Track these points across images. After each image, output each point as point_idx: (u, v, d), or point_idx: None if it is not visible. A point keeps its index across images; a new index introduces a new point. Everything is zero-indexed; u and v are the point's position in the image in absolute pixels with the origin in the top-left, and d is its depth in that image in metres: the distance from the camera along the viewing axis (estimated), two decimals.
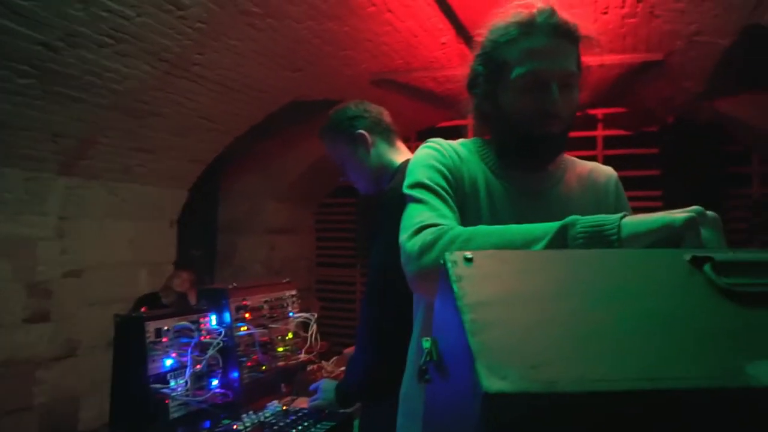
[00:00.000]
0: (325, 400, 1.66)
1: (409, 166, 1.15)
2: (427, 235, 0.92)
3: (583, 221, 0.80)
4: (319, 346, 2.06)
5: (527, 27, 1.06)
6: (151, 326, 1.62)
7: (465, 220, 1.07)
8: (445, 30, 3.32)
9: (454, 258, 0.56)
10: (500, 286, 0.53)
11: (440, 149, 1.15)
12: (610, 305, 0.51)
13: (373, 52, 3.54)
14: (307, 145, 4.52)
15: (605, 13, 3.01)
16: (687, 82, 3.63)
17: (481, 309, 0.49)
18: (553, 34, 1.05)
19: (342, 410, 1.68)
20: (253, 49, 3.18)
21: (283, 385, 1.97)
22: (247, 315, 1.87)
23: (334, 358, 2.17)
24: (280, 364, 1.97)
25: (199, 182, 4.18)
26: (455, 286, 0.52)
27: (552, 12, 1.07)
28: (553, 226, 0.82)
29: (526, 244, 0.83)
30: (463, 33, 3.32)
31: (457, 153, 1.16)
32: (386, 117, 1.78)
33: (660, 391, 0.42)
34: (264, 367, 1.90)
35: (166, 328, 1.66)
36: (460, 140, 1.23)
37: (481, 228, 0.90)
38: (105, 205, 3.59)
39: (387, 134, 1.75)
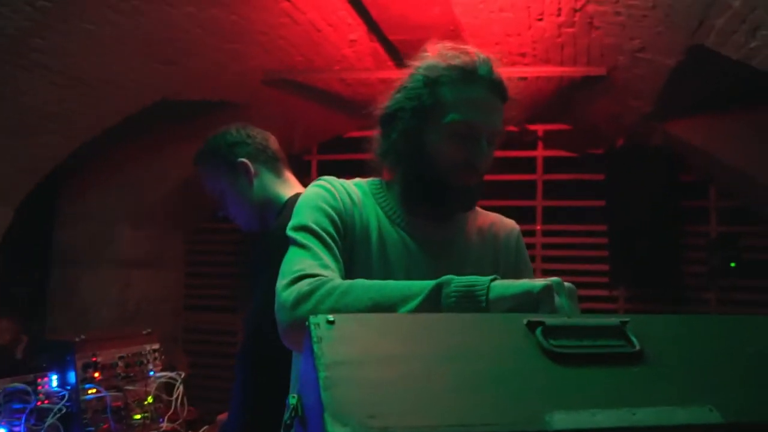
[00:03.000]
0: None
1: (297, 205, 1.41)
2: (303, 285, 1.18)
3: (457, 281, 1.09)
4: (185, 413, 2.24)
5: (469, 75, 1.38)
6: None
7: (353, 267, 1.34)
8: (354, 26, 3.62)
9: (317, 320, 0.81)
10: (356, 347, 0.78)
11: (332, 190, 1.42)
12: (449, 365, 0.78)
13: (266, 46, 3.78)
14: (178, 155, 4.66)
15: (540, 19, 3.43)
16: (634, 100, 4.14)
17: (336, 368, 0.74)
18: (491, 89, 1.39)
19: None
20: (112, 35, 3.33)
21: None
22: (96, 374, 2.03)
23: (205, 427, 2.35)
24: None
25: (30, 199, 4.20)
26: (315, 347, 0.77)
27: (492, 66, 1.40)
28: (429, 284, 1.10)
29: (402, 301, 1.10)
30: (377, 30, 3.64)
31: (349, 195, 1.43)
32: (273, 143, 2.02)
33: None
34: None
35: None
36: (356, 180, 1.50)
37: (360, 282, 1.17)
38: None
39: (273, 163, 1.99)
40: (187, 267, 5.74)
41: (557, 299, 1.02)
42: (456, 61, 1.39)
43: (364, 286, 1.16)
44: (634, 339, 0.85)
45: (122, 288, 5.10)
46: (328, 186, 1.44)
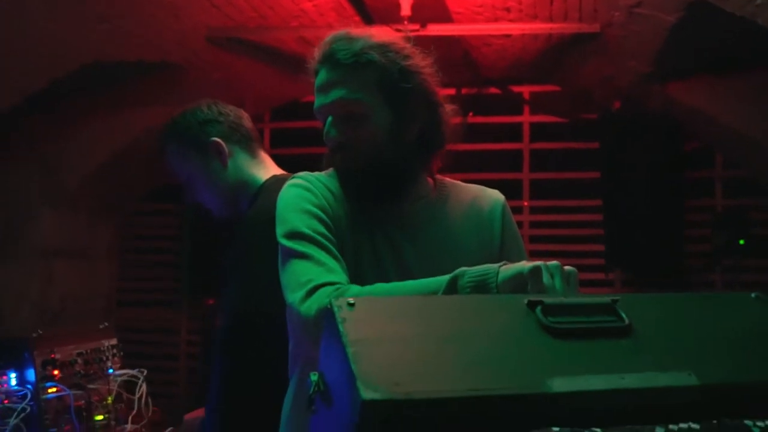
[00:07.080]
0: None
1: (279, 209, 1.65)
2: (323, 297, 1.44)
3: (470, 273, 1.38)
4: (150, 413, 2.48)
5: (318, 64, 1.67)
6: None
7: (347, 263, 1.58)
8: None
9: (339, 303, 1.07)
10: (376, 326, 1.05)
11: (311, 188, 1.68)
12: (458, 341, 1.05)
13: (213, 0, 3.98)
14: (109, 125, 4.83)
15: None
16: (631, 60, 4.45)
17: (360, 344, 1.01)
18: (330, 67, 1.65)
19: None
20: None
21: None
22: (56, 372, 2.26)
23: (170, 429, 2.59)
24: None
25: None
26: (340, 327, 1.03)
27: (332, 40, 1.67)
28: (444, 279, 1.39)
29: None
30: None
31: (329, 189, 1.70)
32: (246, 121, 2.25)
33: (480, 398, 0.96)
34: None
35: None
36: (330, 170, 1.75)
37: (379, 286, 1.46)
38: None
39: (247, 143, 2.22)
40: (121, 255, 5.90)
41: (546, 279, 1.30)
42: (314, 53, 1.68)
43: (383, 290, 1.44)
44: (623, 315, 1.13)
45: (44, 283, 5.19)
46: (306, 184, 1.70)
